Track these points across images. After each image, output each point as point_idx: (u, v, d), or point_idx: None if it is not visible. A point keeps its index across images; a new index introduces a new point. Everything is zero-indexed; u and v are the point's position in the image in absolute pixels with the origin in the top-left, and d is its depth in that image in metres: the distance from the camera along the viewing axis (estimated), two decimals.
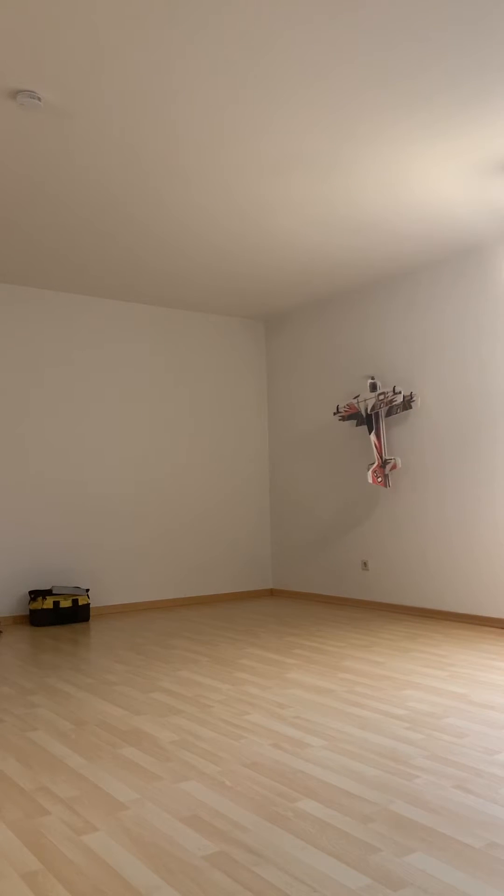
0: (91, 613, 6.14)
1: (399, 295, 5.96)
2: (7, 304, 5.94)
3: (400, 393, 5.82)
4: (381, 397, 5.91)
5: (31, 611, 5.70)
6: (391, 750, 2.78)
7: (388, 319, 6.04)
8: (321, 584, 6.66)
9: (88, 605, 5.84)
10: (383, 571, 6.07)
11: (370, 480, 5.87)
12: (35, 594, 5.75)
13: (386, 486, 5.92)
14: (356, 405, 6.19)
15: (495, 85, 3.19)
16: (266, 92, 3.22)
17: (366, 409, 6.11)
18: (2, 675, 4.10)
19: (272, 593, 7.17)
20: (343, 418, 6.25)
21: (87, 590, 5.92)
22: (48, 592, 5.78)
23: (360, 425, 6.20)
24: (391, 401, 5.85)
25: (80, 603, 5.81)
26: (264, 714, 3.25)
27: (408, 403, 5.75)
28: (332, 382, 6.56)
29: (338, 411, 6.30)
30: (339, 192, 4.28)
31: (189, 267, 5.61)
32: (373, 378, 6.13)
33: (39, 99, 3.22)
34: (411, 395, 5.74)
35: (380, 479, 5.90)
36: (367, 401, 6.11)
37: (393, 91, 3.22)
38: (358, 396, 6.19)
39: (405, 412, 5.83)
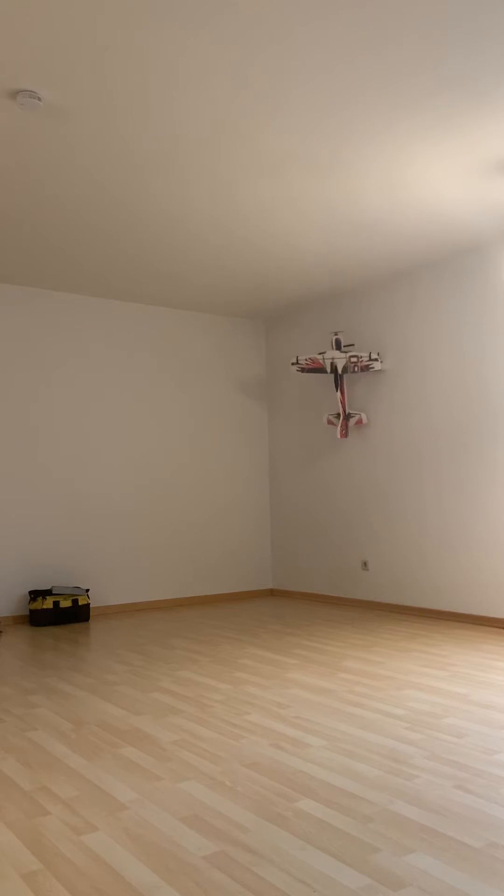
0: (91, 613, 6.14)
1: (399, 295, 5.95)
2: (6, 304, 5.94)
3: (377, 359, 5.91)
4: (354, 360, 5.98)
5: (31, 611, 5.70)
6: (391, 750, 2.78)
7: (388, 319, 6.04)
8: (321, 584, 6.66)
9: (88, 605, 5.84)
10: (383, 571, 6.07)
11: (339, 435, 6.17)
12: (35, 594, 5.75)
13: (345, 436, 6.19)
14: (320, 360, 6.13)
15: (495, 85, 3.19)
16: (266, 92, 3.22)
17: (332, 367, 6.11)
18: (2, 675, 4.10)
19: (272, 593, 7.17)
20: (302, 370, 6.19)
21: (87, 590, 5.92)
22: (48, 592, 5.78)
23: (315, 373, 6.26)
24: (367, 365, 5.94)
25: (80, 603, 5.81)
26: (264, 714, 3.25)
27: (371, 364, 5.88)
28: (332, 381, 6.56)
29: (297, 362, 6.20)
30: (340, 192, 4.28)
31: (189, 267, 5.61)
32: (337, 334, 6.18)
33: (39, 99, 3.22)
34: (378, 356, 5.92)
35: (342, 432, 6.18)
36: (336, 359, 6.08)
37: (393, 91, 3.22)
38: (324, 353, 6.13)
39: (370, 372, 5.99)
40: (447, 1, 2.64)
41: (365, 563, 6.23)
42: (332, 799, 2.34)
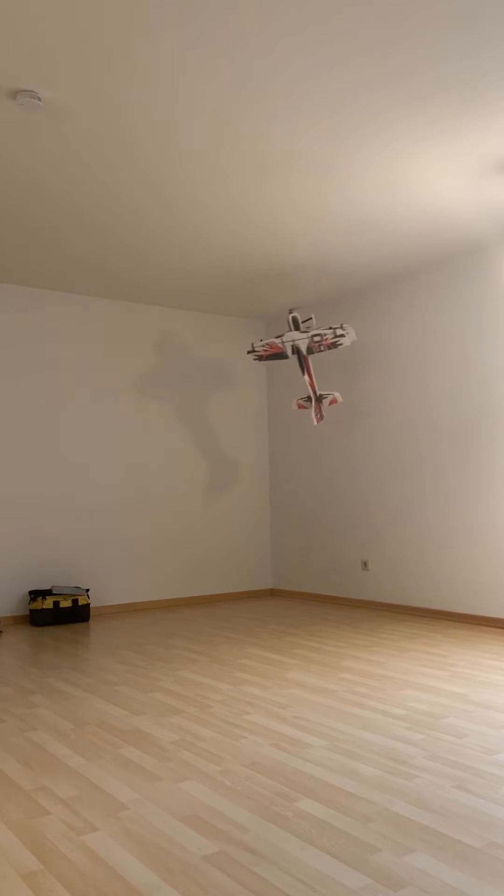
0: (91, 613, 6.14)
1: (399, 295, 5.95)
2: (6, 304, 5.94)
3: (344, 333, 5.45)
4: (318, 339, 5.53)
5: (31, 611, 5.70)
6: (391, 750, 2.78)
7: (388, 319, 6.04)
8: (321, 584, 6.66)
9: (88, 605, 5.84)
10: (383, 571, 6.07)
11: (315, 421, 5.75)
12: (35, 594, 5.75)
13: (321, 420, 5.78)
14: (278, 345, 5.68)
15: (494, 85, 3.19)
16: (266, 92, 3.22)
17: (294, 350, 5.65)
18: (2, 675, 4.10)
19: (272, 593, 7.17)
20: (260, 358, 5.77)
21: (87, 590, 5.92)
22: (48, 592, 5.78)
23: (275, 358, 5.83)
24: (334, 342, 5.50)
25: (80, 603, 5.81)
26: (264, 714, 3.25)
27: (338, 340, 5.44)
28: (333, 382, 6.56)
29: (253, 350, 5.78)
30: (339, 191, 4.28)
31: (189, 266, 5.61)
32: (293, 311, 5.67)
33: (39, 99, 3.22)
34: (342, 326, 5.47)
35: (318, 416, 5.77)
36: (297, 340, 5.61)
37: (392, 91, 3.22)
38: (282, 335, 5.71)
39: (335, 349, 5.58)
40: (447, 1, 2.64)
41: (365, 563, 6.23)
42: (332, 799, 2.34)
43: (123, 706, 3.44)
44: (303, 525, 6.87)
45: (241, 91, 3.21)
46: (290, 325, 5.71)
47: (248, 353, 5.77)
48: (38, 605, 5.67)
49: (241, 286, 6.14)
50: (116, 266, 5.55)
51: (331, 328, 5.49)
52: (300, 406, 5.92)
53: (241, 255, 5.36)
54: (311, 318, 5.67)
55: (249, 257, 5.42)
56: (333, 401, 5.73)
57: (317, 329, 5.56)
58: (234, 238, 5.02)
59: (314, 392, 5.74)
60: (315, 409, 5.76)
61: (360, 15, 2.71)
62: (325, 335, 5.48)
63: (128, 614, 6.15)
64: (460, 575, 5.44)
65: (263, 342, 5.69)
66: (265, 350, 5.72)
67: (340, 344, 5.45)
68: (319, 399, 5.75)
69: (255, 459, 7.20)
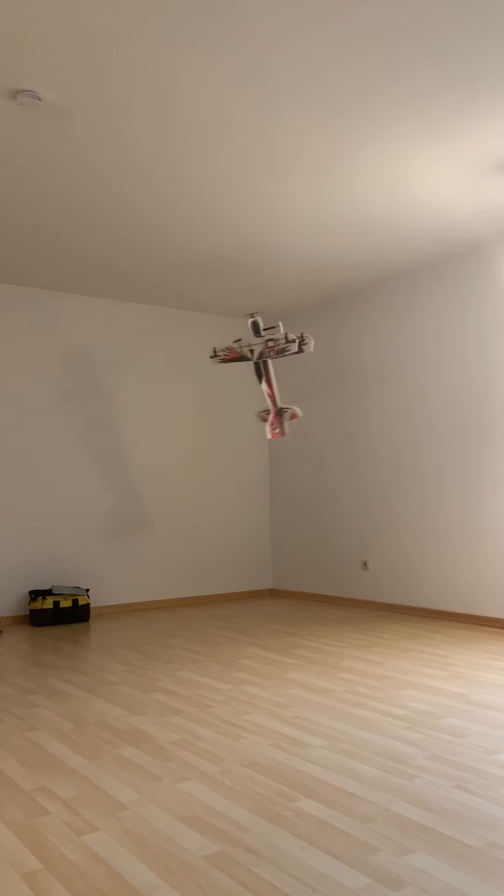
0: (91, 613, 6.14)
1: (399, 295, 5.96)
2: (6, 304, 5.93)
3: (295, 341, 5.07)
4: (271, 344, 5.11)
5: (31, 611, 5.70)
6: (391, 750, 2.78)
7: (388, 319, 6.04)
8: (321, 584, 6.66)
9: (88, 605, 5.84)
10: (383, 571, 6.07)
11: (268, 435, 5.28)
12: (35, 594, 5.75)
13: (283, 434, 5.31)
14: (238, 349, 5.27)
15: (494, 85, 3.19)
16: (266, 92, 3.22)
17: (251, 354, 5.25)
18: (2, 675, 4.10)
19: (272, 593, 7.17)
20: (223, 361, 5.35)
21: (87, 590, 5.92)
22: (48, 592, 5.78)
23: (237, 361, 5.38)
24: (284, 348, 5.12)
25: (80, 603, 5.81)
26: (264, 714, 3.25)
27: (301, 346, 5.06)
28: (333, 382, 6.56)
29: (215, 354, 5.36)
30: (339, 191, 4.28)
31: (189, 267, 5.61)
32: (254, 316, 5.31)
33: (39, 99, 3.22)
34: (302, 337, 5.06)
35: (276, 430, 5.27)
36: (254, 346, 5.23)
37: (392, 91, 3.22)
38: (240, 340, 5.33)
39: (296, 353, 5.13)
40: (447, 1, 2.64)
41: (365, 563, 6.23)
42: (332, 799, 2.34)
43: (123, 706, 3.44)
44: (303, 525, 6.87)
45: (241, 91, 3.21)
46: (250, 330, 5.34)
47: (211, 357, 5.38)
48: (38, 605, 5.67)
49: (241, 286, 6.14)
50: (115, 266, 5.55)
51: (284, 335, 5.13)
52: (263, 419, 5.40)
53: (242, 254, 5.35)
54: (273, 326, 5.32)
55: (250, 257, 5.42)
56: (293, 415, 5.25)
57: (271, 335, 5.22)
58: (235, 238, 5.02)
59: (273, 404, 5.29)
60: (273, 422, 5.27)
61: (360, 15, 2.71)
62: (278, 340, 5.14)
63: (128, 614, 6.15)
64: (460, 575, 5.44)
65: (225, 347, 5.33)
66: (226, 354, 5.33)
67: (289, 350, 5.08)
68: (279, 412, 5.30)
69: (256, 459, 7.20)
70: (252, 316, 5.27)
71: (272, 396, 5.29)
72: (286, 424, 5.27)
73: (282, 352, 5.14)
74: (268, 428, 5.27)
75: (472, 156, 3.85)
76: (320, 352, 6.70)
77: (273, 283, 6.09)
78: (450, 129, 3.56)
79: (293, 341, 5.03)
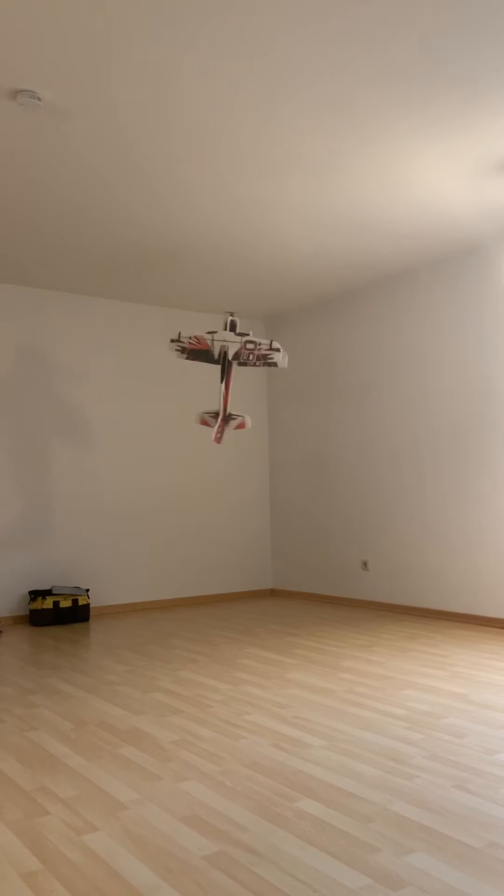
0: (91, 613, 6.14)
1: (399, 295, 5.96)
2: (6, 304, 5.94)
3: (280, 350, 5.00)
4: (251, 346, 4.98)
5: (31, 611, 5.70)
6: (391, 750, 2.78)
7: (388, 319, 6.04)
8: (321, 584, 6.66)
9: (88, 605, 5.84)
10: (383, 571, 6.07)
11: (213, 437, 5.08)
12: (35, 594, 5.75)
13: (220, 441, 5.11)
14: (207, 341, 5.02)
15: (495, 85, 3.19)
16: (266, 92, 3.22)
17: (221, 352, 5.05)
18: (2, 675, 4.10)
19: (272, 593, 7.17)
20: (183, 350, 4.99)
21: (87, 590, 5.92)
22: (48, 592, 5.78)
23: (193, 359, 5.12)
24: (266, 355, 4.99)
25: (80, 603, 5.81)
26: (264, 714, 3.25)
27: (270, 355, 4.96)
28: (333, 382, 6.56)
29: (178, 339, 4.99)
30: (339, 192, 4.28)
31: (189, 267, 5.61)
32: (232, 315, 5.19)
33: (39, 99, 3.22)
34: (271, 344, 4.99)
35: (217, 435, 5.08)
36: (228, 342, 5.03)
37: (393, 91, 3.22)
38: (214, 332, 5.07)
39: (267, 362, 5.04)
40: (447, 1, 2.64)
41: (365, 563, 6.23)
42: (332, 799, 2.34)
43: (123, 706, 3.44)
44: (303, 525, 6.87)
45: (241, 91, 3.21)
46: (226, 327, 5.15)
47: (172, 341, 4.98)
48: (38, 605, 5.67)
49: (241, 286, 6.14)
50: (115, 266, 5.55)
51: (269, 342, 5.05)
52: (204, 423, 5.17)
53: (241, 255, 5.35)
54: (248, 333, 5.18)
55: (249, 257, 5.42)
56: (241, 425, 5.11)
57: (252, 337, 5.09)
58: (235, 238, 5.01)
59: (224, 408, 5.06)
60: (220, 427, 5.07)
61: (361, 15, 2.71)
62: (260, 345, 5.00)
63: (128, 614, 6.15)
64: (460, 575, 5.44)
65: (192, 335, 5.03)
66: (191, 343, 5.01)
67: (272, 361, 4.97)
68: (227, 418, 5.09)
69: (256, 459, 7.20)
70: (232, 314, 5.19)
71: (225, 400, 5.09)
72: (228, 431, 5.03)
73: (262, 358, 5.01)
74: (214, 432, 5.10)
75: (472, 156, 3.85)
76: (320, 352, 6.70)
77: (273, 283, 6.09)
78: (450, 129, 3.56)
79: (278, 350, 4.91)
